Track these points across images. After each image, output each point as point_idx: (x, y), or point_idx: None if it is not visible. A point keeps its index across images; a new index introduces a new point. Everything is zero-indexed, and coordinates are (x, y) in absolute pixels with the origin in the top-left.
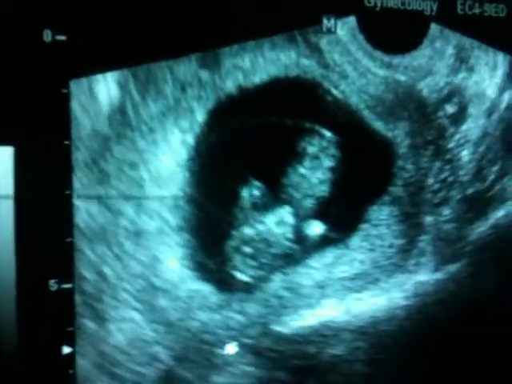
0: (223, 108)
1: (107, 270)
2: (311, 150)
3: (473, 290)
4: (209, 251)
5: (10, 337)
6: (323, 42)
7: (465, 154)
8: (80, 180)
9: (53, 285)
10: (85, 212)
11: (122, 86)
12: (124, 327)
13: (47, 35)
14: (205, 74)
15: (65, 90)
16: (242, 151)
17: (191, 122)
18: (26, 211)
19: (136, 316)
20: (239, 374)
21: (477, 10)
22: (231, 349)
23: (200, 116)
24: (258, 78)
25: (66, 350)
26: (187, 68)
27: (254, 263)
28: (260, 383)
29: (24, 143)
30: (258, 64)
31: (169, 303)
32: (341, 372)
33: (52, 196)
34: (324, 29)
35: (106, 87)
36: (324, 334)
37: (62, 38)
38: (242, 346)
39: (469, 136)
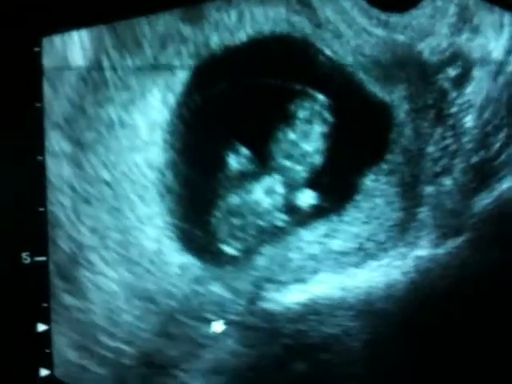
0: (207, 67)
1: (83, 240)
2: (302, 114)
3: (475, 265)
4: (192, 221)
5: None
6: None
7: (468, 120)
8: (53, 143)
9: (26, 258)
10: (59, 178)
11: (98, 43)
12: (101, 302)
13: None
14: (187, 30)
15: (37, 49)
16: (228, 114)
17: (172, 81)
18: None
19: (114, 289)
20: (225, 352)
21: None
22: (217, 327)
23: (181, 74)
24: (245, 35)
25: (41, 327)
26: (168, 23)
27: (240, 234)
28: (247, 362)
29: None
30: (244, 20)
31: (149, 275)
32: (334, 351)
33: (24, 162)
34: None
35: (81, 44)
36: (316, 310)
37: None
38: (228, 323)
39: (472, 100)
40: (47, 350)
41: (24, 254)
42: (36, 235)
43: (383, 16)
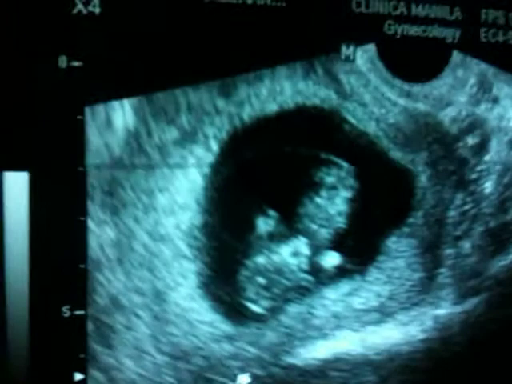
0: (239, 137)
1: (120, 298)
2: (328, 180)
3: (492, 324)
4: (222, 281)
5: (23, 363)
6: (342, 71)
7: (487, 186)
8: (95, 207)
9: (66, 311)
10: (99, 239)
11: (138, 113)
12: (135, 355)
13: (62, 61)
14: (221, 102)
15: (80, 117)
16: (258, 181)
17: (207, 151)
18: (40, 238)
19: (147, 344)
20: None
21: (500, 38)
22: (243, 380)
23: (215, 145)
24: (275, 106)
25: (78, 376)
26: (203, 95)
27: (267, 294)
28: None
29: (39, 169)
30: (274, 92)
31: (180, 333)
32: None
33: (66, 222)
34: (343, 57)
35: (122, 114)
36: (338, 366)
37: (78, 64)
38: (254, 377)
39: (491, 168)
40: None
41: (64, 308)
42: (76, 291)
43: (406, 86)
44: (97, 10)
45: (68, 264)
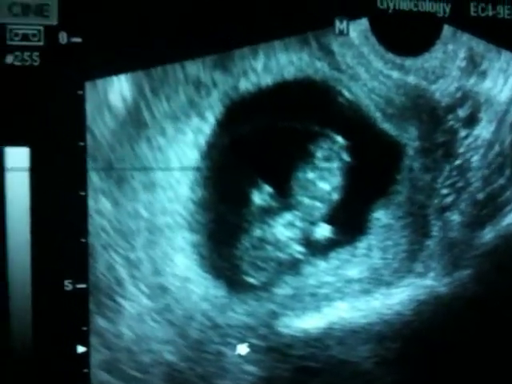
0: (235, 110)
1: (120, 270)
2: (321, 153)
3: (480, 296)
4: (219, 252)
5: (26, 337)
6: (335, 44)
7: (475, 159)
8: (95, 181)
9: (68, 285)
10: (99, 212)
11: (136, 87)
12: (135, 326)
13: (63, 37)
14: (217, 75)
15: (80, 92)
16: (252, 154)
17: (203, 123)
18: (41, 213)
19: (148, 316)
20: (245, 374)
21: (490, 12)
22: (242, 349)
23: (211, 117)
24: (270, 80)
25: (81, 349)
26: (200, 69)
27: (262, 265)
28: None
29: (40, 144)
30: (270, 66)
31: (179, 302)
32: (348, 374)
33: (67, 197)
34: (336, 31)
35: (120, 88)
36: (332, 335)
37: (78, 39)
38: (251, 347)
39: (480, 141)
40: (85, 370)
41: (66, 282)
42: (78, 264)
43: (398, 60)
44: None
45: (69, 238)
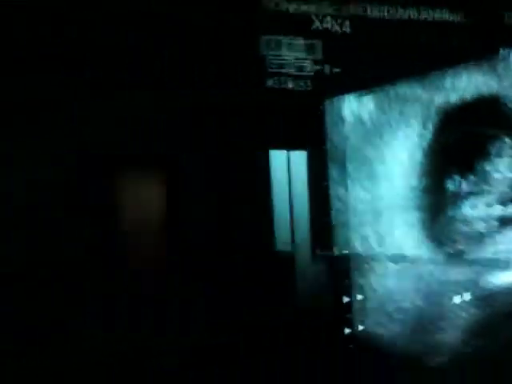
0: (439, 121)
1: (371, 241)
2: (495, 151)
3: None
4: (431, 227)
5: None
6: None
7: None
8: (333, 174)
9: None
10: (336, 198)
11: (363, 104)
12: (384, 282)
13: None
14: (424, 93)
15: (321, 107)
16: (451, 155)
17: (418, 134)
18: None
19: (391, 274)
20: (459, 318)
21: None
22: (457, 300)
23: (420, 128)
24: (458, 96)
25: (345, 299)
26: (409, 88)
27: (457, 238)
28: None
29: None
30: (459, 84)
31: (412, 265)
32: None
33: (317, 187)
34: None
35: (351, 105)
36: None
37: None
38: (461, 297)
39: None
40: (348, 315)
41: (334, 249)
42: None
43: None
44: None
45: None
